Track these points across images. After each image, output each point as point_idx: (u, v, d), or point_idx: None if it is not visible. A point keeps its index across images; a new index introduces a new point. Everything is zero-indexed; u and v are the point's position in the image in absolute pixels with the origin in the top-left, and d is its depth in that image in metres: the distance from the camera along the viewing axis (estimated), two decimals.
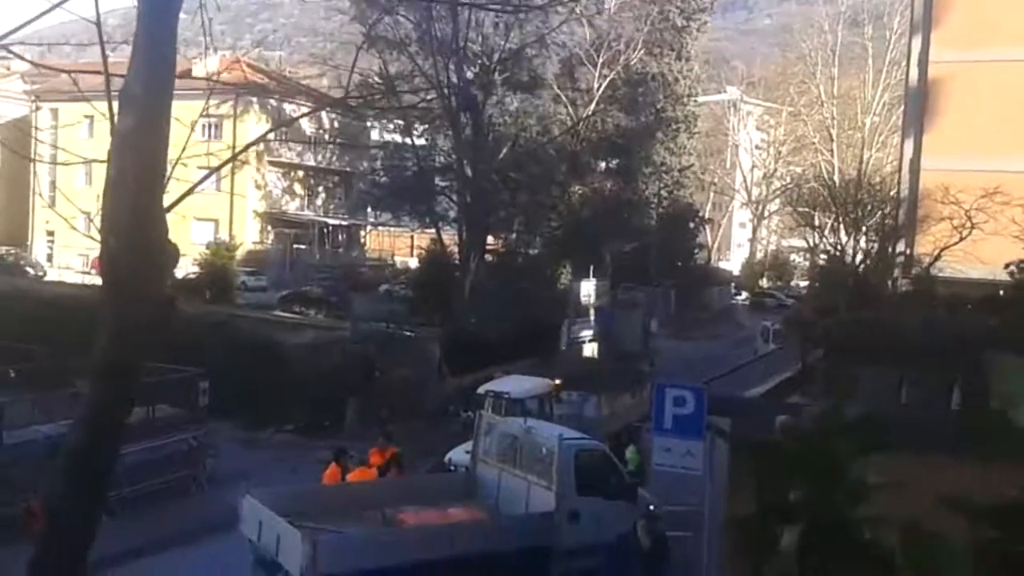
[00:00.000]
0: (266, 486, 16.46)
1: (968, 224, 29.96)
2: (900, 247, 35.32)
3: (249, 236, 55.54)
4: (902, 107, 44.12)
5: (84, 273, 48.73)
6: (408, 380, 29.72)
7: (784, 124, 79.80)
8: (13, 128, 53.17)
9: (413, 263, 57.16)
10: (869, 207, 37.92)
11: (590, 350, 38.13)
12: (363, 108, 30.81)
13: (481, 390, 24.22)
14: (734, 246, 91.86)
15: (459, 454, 20.14)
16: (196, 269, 43.08)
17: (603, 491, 15.70)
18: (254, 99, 51.66)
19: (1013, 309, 25.80)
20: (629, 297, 45.23)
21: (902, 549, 1.41)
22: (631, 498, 16.22)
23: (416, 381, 30.06)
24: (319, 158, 60.20)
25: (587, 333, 38.82)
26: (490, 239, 46.05)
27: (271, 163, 56.78)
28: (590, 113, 48.24)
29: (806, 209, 45.34)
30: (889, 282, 35.65)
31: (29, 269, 53.61)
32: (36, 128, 50.22)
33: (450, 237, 44.48)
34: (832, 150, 69.83)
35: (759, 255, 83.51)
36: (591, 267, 41.88)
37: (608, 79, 49.07)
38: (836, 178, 53.67)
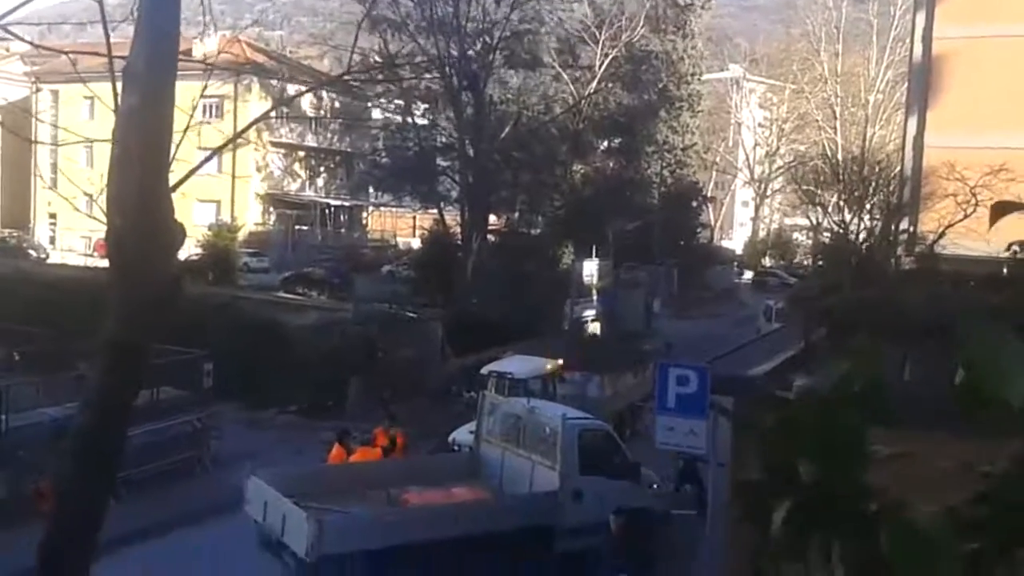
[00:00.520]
0: (270, 467, 16.50)
1: (973, 201, 29.85)
2: (904, 225, 35.23)
3: (251, 217, 55.52)
4: (906, 84, 43.92)
5: (87, 255, 48.75)
6: (411, 361, 29.75)
7: (787, 102, 79.41)
8: (13, 110, 52.99)
9: (415, 244, 57.11)
10: (873, 185, 37.78)
11: (593, 330, 38.12)
12: (364, 86, 30.71)
13: (484, 370, 24.23)
14: (737, 225, 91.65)
15: (463, 434, 20.19)
16: (198, 251, 43.07)
17: (606, 470, 15.75)
18: (255, 79, 51.49)
19: (1015, 287, 25.77)
20: (632, 276, 45.18)
21: (887, 535, 1.40)
22: (634, 477, 16.27)
23: (419, 362, 30.09)
24: (320, 139, 60.09)
25: (590, 313, 38.81)
26: (492, 219, 46.02)
27: (272, 144, 56.67)
28: (592, 91, 48.05)
29: (809, 187, 45.20)
30: (893, 260, 35.57)
31: (32, 252, 53.64)
32: (37, 109, 50.06)
33: (452, 217, 44.44)
34: (835, 128, 69.56)
35: (762, 234, 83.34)
36: (594, 247, 41.85)
37: (610, 57, 48.85)
38: (840, 156, 53.45)
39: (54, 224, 59.21)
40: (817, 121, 72.63)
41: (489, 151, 41.35)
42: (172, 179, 5.00)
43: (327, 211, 61.05)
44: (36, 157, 47.97)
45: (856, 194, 37.69)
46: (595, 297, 40.05)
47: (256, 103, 51.69)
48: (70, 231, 54.93)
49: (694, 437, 13.93)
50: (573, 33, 50.41)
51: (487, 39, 42.05)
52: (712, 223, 74.92)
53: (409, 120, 44.70)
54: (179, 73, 5.03)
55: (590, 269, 40.62)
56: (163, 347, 18.69)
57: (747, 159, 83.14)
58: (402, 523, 14.01)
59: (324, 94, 52.95)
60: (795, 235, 76.99)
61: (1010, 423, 1.51)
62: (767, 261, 76.99)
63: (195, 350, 22.52)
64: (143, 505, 17.72)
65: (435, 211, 45.60)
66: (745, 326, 45.97)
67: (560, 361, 25.48)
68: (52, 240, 58.85)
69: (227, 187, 51.93)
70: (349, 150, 61.28)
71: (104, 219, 4.87)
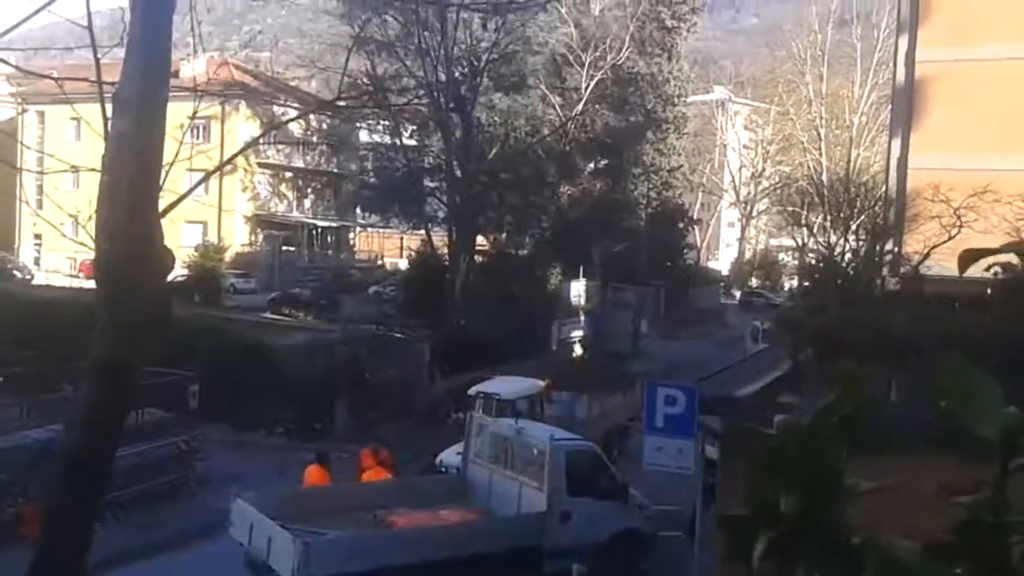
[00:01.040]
0: (257, 489, 16.43)
1: (957, 223, 30.07)
2: (889, 246, 35.43)
3: (238, 238, 55.41)
4: (890, 106, 44.29)
5: (72, 276, 48.50)
6: (398, 382, 29.69)
7: (772, 123, 79.98)
8: None
9: (403, 264, 57.11)
10: (858, 206, 38.02)
11: (580, 350, 38.16)
12: (354, 110, 30.78)
13: (472, 391, 24.18)
14: (723, 246, 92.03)
15: (450, 455, 20.14)
16: (185, 272, 42.95)
17: (594, 491, 15.73)
18: (243, 101, 51.54)
19: (998, 308, 25.95)
20: (619, 297, 45.28)
21: (871, 568, 1.41)
22: (623, 498, 16.25)
23: (406, 383, 30.02)
24: (308, 159, 60.10)
25: (577, 333, 38.84)
26: (480, 240, 46.05)
27: (260, 165, 56.66)
28: (579, 113, 48.29)
29: (795, 208, 45.45)
30: (878, 281, 35.74)
31: (16, 272, 53.32)
32: (23, 131, 49.90)
33: (440, 238, 44.46)
34: (820, 149, 70.03)
35: (748, 255, 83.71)
36: (581, 267, 41.90)
37: (596, 79, 49.13)
38: (825, 177, 53.81)
39: (39, 245, 58.94)
40: (802, 143, 73.12)
41: (477, 172, 41.45)
42: (161, 204, 5.00)
43: (314, 232, 61.02)
44: (21, 181, 47.75)
45: (841, 215, 37.91)
46: (582, 318, 40.10)
47: (244, 124, 51.73)
48: (55, 252, 54.69)
49: (682, 457, 13.95)
50: (560, 55, 50.68)
51: (474, 61, 42.25)
52: (698, 244, 75.18)
53: (397, 141, 44.80)
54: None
55: (578, 290, 40.70)
56: (149, 368, 18.56)
57: (733, 180, 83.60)
58: (389, 545, 13.95)
59: (312, 116, 53.05)
60: (781, 256, 77.34)
61: (992, 446, 1.53)
62: (753, 282, 77.30)
63: (181, 371, 22.39)
64: (128, 528, 17.58)
65: (423, 232, 45.62)
66: (732, 347, 46.06)
67: (548, 381, 25.46)
68: (37, 261, 58.56)
69: (214, 208, 51.83)
70: (337, 171, 61.33)
71: (91, 243, 4.86)
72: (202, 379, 23.11)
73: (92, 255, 4.90)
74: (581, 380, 28.31)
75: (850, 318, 28.31)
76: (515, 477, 16.02)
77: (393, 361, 30.66)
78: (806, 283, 47.31)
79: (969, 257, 1.70)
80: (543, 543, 14.80)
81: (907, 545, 1.42)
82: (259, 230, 58.10)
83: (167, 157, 5.16)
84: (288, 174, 60.39)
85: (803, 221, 42.92)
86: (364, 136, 55.66)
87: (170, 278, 5.96)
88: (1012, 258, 25.40)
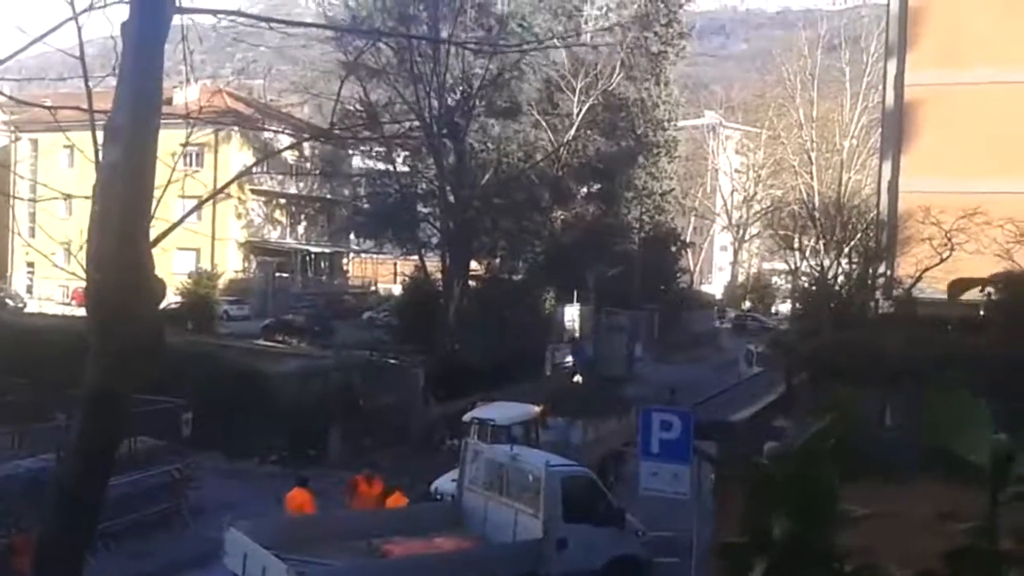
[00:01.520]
0: (251, 517, 16.31)
1: (948, 245, 30.20)
2: (881, 268, 35.54)
3: (231, 265, 55.37)
4: (880, 129, 44.57)
5: (65, 304, 48.37)
6: (393, 408, 29.57)
7: (763, 147, 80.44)
8: None
9: (396, 290, 57.12)
10: (850, 228, 38.17)
11: (575, 375, 38.08)
12: (348, 138, 30.90)
13: (466, 417, 24.09)
14: (716, 269, 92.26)
15: (445, 483, 20.03)
16: (178, 299, 42.86)
17: (591, 518, 15.65)
18: (236, 128, 51.66)
19: (991, 330, 26.02)
20: (613, 321, 45.27)
21: None
22: (619, 524, 16.17)
23: (400, 409, 29.90)
24: (301, 186, 60.21)
25: (571, 358, 38.77)
26: (473, 265, 46.10)
27: (253, 191, 56.74)
28: (571, 138, 48.52)
29: (787, 232, 45.61)
30: (871, 303, 35.82)
31: (8, 301, 53.17)
32: (16, 159, 49.94)
33: (433, 264, 44.50)
34: (811, 173, 70.39)
35: (741, 278, 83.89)
36: (575, 292, 41.90)
37: (587, 104, 49.40)
38: (816, 200, 54.05)
39: (32, 273, 58.80)
40: (793, 166, 73.51)
41: (470, 198, 41.54)
42: (153, 233, 4.99)
43: (308, 258, 61.03)
44: (14, 210, 47.72)
45: (833, 238, 38.05)
46: (577, 342, 40.05)
47: (237, 152, 51.83)
48: (48, 280, 54.55)
49: (678, 482, 13.91)
50: (551, 82, 50.96)
51: (467, 88, 42.46)
52: (691, 268, 75.36)
53: (390, 167, 44.92)
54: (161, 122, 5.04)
55: (571, 314, 40.70)
56: (141, 396, 18.48)
57: (725, 204, 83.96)
58: (383, 574, 13.85)
59: (306, 143, 53.22)
60: (774, 279, 77.54)
61: (983, 473, 1.53)
62: (747, 305, 77.43)
63: (174, 399, 22.28)
64: (120, 558, 17.42)
65: (416, 257, 45.67)
66: (726, 370, 46.01)
67: (543, 407, 25.38)
68: (29, 289, 58.40)
69: (207, 235, 51.85)
70: (330, 197, 61.43)
71: (83, 273, 4.85)
72: (195, 407, 23.00)
73: (84, 283, 4.89)
74: (576, 405, 28.24)
75: (844, 341, 28.34)
76: (511, 504, 15.93)
77: (387, 387, 30.57)
78: (799, 306, 47.41)
79: (959, 286, 1.71)
80: (539, 570, 14.71)
81: (901, 573, 1.42)
82: (252, 257, 58.09)
83: (159, 184, 5.15)
84: (281, 200, 60.48)
85: (795, 244, 43.05)
86: (357, 162, 55.82)
87: (163, 306, 5.92)
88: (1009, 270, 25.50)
